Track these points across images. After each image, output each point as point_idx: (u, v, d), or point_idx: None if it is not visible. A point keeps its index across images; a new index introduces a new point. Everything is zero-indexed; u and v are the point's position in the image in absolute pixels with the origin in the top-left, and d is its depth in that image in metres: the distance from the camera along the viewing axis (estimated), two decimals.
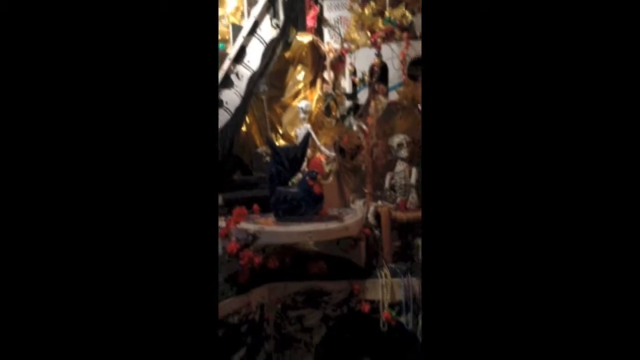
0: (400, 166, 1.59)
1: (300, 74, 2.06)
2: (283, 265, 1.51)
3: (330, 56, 1.96)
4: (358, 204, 1.72)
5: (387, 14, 1.71)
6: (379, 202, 1.61)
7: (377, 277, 1.43)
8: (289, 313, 1.43)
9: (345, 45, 1.91)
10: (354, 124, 1.80)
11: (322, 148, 1.84)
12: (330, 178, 1.53)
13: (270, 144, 1.65)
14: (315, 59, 2.04)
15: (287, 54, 2.00)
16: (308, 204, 1.37)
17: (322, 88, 2.04)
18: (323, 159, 1.54)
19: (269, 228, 1.34)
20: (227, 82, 1.82)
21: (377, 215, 1.56)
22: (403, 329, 1.42)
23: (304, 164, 1.55)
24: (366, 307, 1.41)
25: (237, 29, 1.86)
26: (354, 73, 1.84)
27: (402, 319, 1.42)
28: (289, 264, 1.53)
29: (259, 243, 1.30)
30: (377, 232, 1.57)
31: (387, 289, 1.42)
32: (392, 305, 1.42)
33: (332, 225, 1.36)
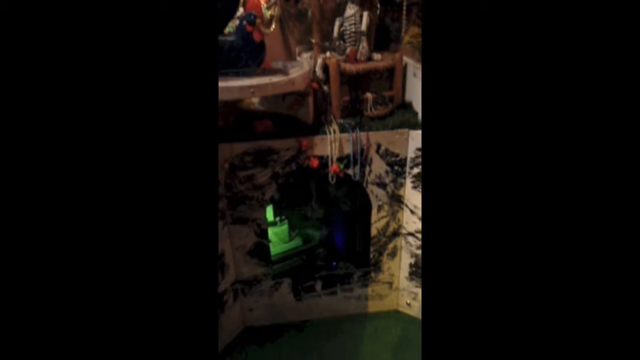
0: (351, 10, 1.41)
1: None
2: (227, 125, 1.43)
3: None
4: (304, 56, 1.57)
5: None
6: (327, 54, 1.48)
7: (326, 134, 1.41)
8: (238, 173, 1.41)
9: None
10: None
11: None
12: (273, 26, 1.33)
13: None
14: None
15: None
16: (248, 54, 1.21)
17: None
18: (262, 2, 1.31)
19: None
20: None
21: (325, 68, 1.44)
22: (350, 180, 1.49)
23: (240, 8, 1.32)
24: (315, 163, 1.43)
25: None
26: None
27: (350, 171, 1.46)
28: (233, 123, 1.45)
29: None
30: (325, 87, 1.48)
31: (335, 144, 1.42)
32: (340, 159, 1.44)
33: (277, 79, 1.24)
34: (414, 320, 1.68)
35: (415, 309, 1.69)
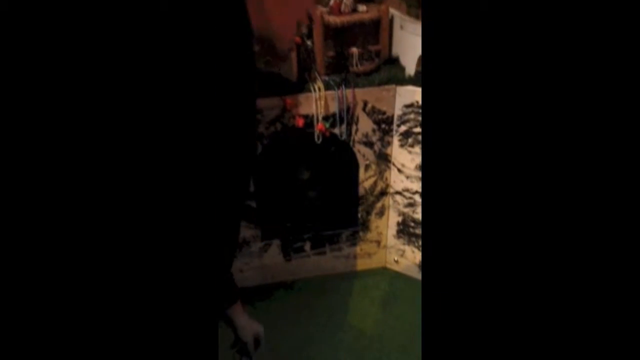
0: None
1: None
2: None
3: None
4: None
5: None
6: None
7: (310, 91, 1.36)
8: None
9: None
10: None
11: None
12: None
13: None
14: None
15: None
16: None
17: None
18: None
19: None
20: None
21: (308, 21, 1.37)
22: (336, 140, 1.46)
23: None
24: (300, 122, 1.39)
25: None
26: None
27: (336, 130, 1.43)
28: None
29: None
30: (309, 42, 1.41)
31: (320, 102, 1.38)
32: (325, 118, 1.40)
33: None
34: (401, 276, 1.72)
35: (402, 266, 1.73)
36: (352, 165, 1.57)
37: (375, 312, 1.56)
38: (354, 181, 1.59)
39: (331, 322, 1.51)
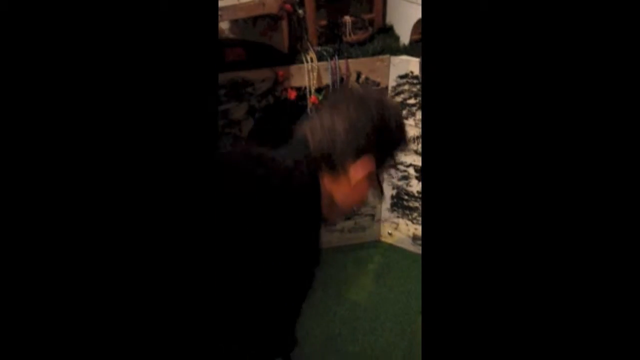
0: None
1: None
2: None
3: None
4: None
5: None
6: None
7: (302, 62, 1.33)
8: None
9: None
10: None
11: None
12: None
13: None
14: None
15: None
16: None
17: None
18: None
19: None
20: None
21: None
22: None
23: None
24: (292, 94, 1.36)
25: None
26: None
27: None
28: None
29: None
30: (300, 11, 1.36)
31: (313, 74, 1.34)
32: (318, 90, 1.37)
33: (245, 0, 1.12)
34: (394, 248, 1.74)
35: (396, 238, 1.75)
36: None
37: (369, 284, 1.59)
38: None
39: (326, 295, 1.53)
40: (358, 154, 0.67)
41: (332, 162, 0.68)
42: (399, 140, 0.73)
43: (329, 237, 1.75)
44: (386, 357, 1.31)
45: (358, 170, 0.68)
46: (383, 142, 0.69)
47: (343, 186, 0.70)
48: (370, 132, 0.67)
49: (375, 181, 0.74)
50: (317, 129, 0.68)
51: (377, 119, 0.67)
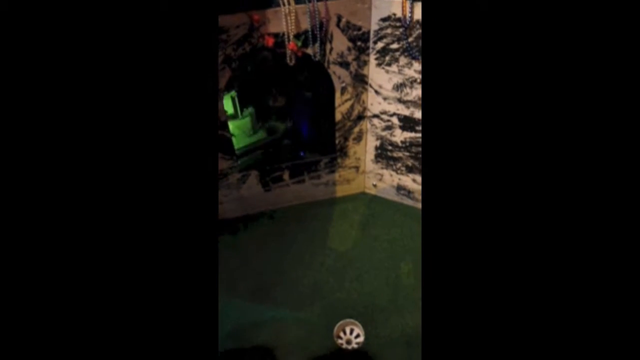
0: None
1: None
2: None
3: None
4: None
5: None
6: None
7: (279, 5, 1.24)
8: None
9: None
10: None
11: None
12: None
13: None
14: None
15: None
16: None
17: None
18: None
19: None
20: None
21: None
22: (310, 60, 1.38)
23: None
24: (270, 41, 1.28)
25: None
26: None
27: (309, 50, 1.34)
28: None
29: None
30: None
31: (290, 18, 1.27)
32: (297, 36, 1.30)
33: None
34: (379, 199, 1.76)
35: (380, 189, 1.76)
36: (328, 88, 1.50)
37: (354, 234, 1.61)
38: (330, 106, 1.54)
39: (312, 246, 1.55)
40: None
41: None
42: None
43: (313, 191, 1.75)
44: (371, 301, 1.36)
45: None
46: None
47: None
48: None
49: None
50: None
51: None
